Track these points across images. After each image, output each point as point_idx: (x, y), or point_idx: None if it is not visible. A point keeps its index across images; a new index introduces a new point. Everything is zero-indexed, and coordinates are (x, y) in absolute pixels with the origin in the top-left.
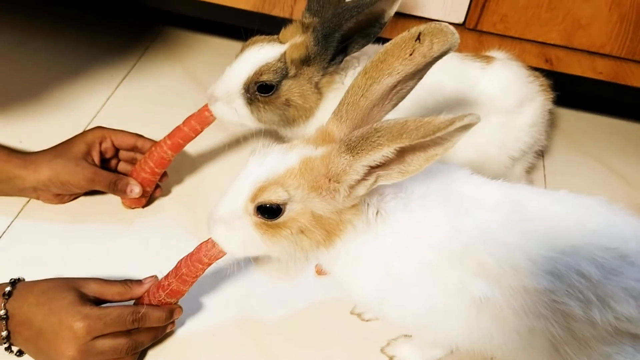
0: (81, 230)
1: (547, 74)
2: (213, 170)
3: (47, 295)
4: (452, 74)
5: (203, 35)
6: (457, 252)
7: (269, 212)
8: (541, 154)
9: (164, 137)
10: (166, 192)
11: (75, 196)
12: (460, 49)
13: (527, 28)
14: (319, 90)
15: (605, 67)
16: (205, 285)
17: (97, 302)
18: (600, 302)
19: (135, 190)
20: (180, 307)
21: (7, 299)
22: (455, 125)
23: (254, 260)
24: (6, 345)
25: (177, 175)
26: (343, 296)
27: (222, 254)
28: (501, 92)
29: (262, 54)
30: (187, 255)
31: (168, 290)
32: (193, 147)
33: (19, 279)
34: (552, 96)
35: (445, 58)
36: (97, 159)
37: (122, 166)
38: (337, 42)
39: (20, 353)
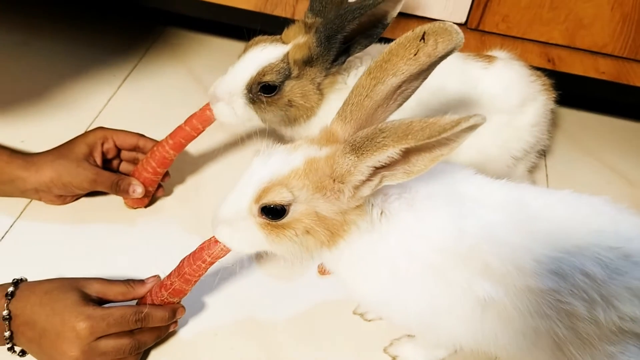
0: (83, 230)
1: (549, 73)
2: (215, 170)
3: (50, 296)
4: (455, 74)
5: (205, 35)
6: (462, 252)
7: (274, 212)
8: (543, 153)
9: (166, 137)
10: (168, 192)
11: (77, 197)
12: (462, 49)
13: (529, 28)
14: (321, 91)
15: (608, 67)
16: (208, 285)
17: (100, 302)
18: (604, 301)
19: (137, 190)
20: (182, 306)
21: (9, 300)
22: (461, 126)
23: (257, 260)
24: (9, 345)
25: (179, 175)
26: (346, 296)
27: (224, 252)
28: (503, 92)
29: (264, 54)
30: (190, 255)
31: (171, 290)
32: (195, 147)
33: (21, 279)
34: (554, 96)
35: (447, 58)
36: (99, 160)
37: (124, 166)
38: (339, 43)
39: (23, 353)
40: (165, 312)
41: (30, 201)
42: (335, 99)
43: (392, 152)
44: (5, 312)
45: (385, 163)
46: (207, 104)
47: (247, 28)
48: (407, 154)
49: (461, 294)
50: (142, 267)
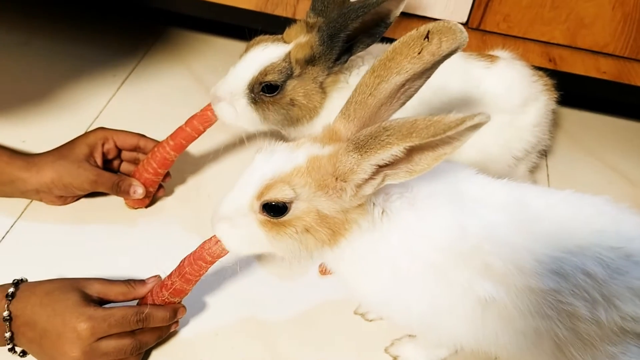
0: (84, 230)
1: (551, 73)
2: (216, 170)
3: (51, 297)
4: (457, 74)
5: (206, 35)
6: (463, 251)
7: (275, 210)
8: (544, 153)
9: (167, 138)
10: (169, 192)
11: (78, 197)
12: (463, 49)
13: (530, 27)
14: (323, 90)
15: (609, 67)
16: (209, 285)
17: (101, 302)
18: (606, 301)
19: (138, 191)
20: (184, 306)
21: (10, 300)
22: (466, 124)
23: (258, 260)
24: (10, 346)
25: (180, 175)
26: (347, 296)
27: (225, 252)
28: (505, 92)
29: (266, 53)
30: (190, 254)
31: (171, 290)
32: (196, 147)
33: (22, 279)
34: (555, 96)
35: (450, 57)
36: (99, 161)
37: (125, 166)
38: (342, 42)
39: (23, 354)
40: (167, 312)
41: (31, 202)
42: (338, 98)
43: (396, 150)
44: (5, 313)
45: (389, 161)
46: (208, 105)
47: (248, 28)
48: (410, 152)
49: (462, 294)
50: (142, 267)
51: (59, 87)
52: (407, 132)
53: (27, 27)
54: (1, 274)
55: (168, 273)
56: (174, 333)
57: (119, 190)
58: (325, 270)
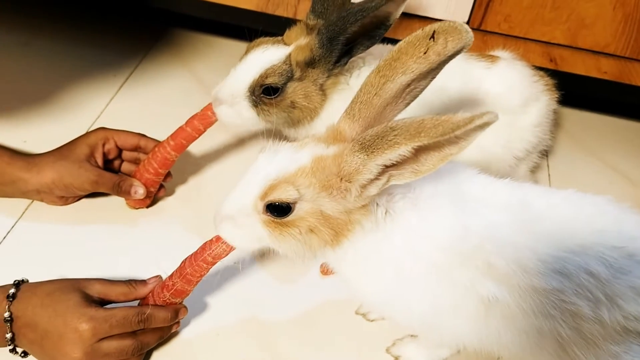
0: (85, 231)
1: (552, 73)
2: (217, 170)
3: (52, 297)
4: (457, 74)
5: (206, 35)
6: (466, 252)
7: (279, 210)
8: (545, 153)
9: (167, 138)
10: (170, 192)
11: (79, 197)
12: None
13: (531, 27)
14: (323, 92)
15: (610, 67)
16: (210, 285)
17: (102, 302)
18: (608, 301)
19: (139, 191)
20: (185, 306)
21: (11, 301)
22: (475, 123)
23: (259, 260)
24: (11, 347)
25: (181, 175)
26: (348, 296)
27: (226, 252)
28: (506, 92)
29: (267, 56)
30: (192, 255)
31: (172, 290)
32: (197, 147)
33: (22, 280)
34: (556, 96)
35: None
36: (100, 161)
37: (126, 166)
38: (342, 44)
39: (24, 354)
40: (168, 313)
41: (32, 202)
42: (338, 99)
43: (404, 150)
44: (6, 314)
45: (395, 162)
46: (208, 105)
47: (248, 28)
48: (416, 152)
49: (465, 294)
50: (143, 267)
51: (60, 88)
52: (415, 131)
53: (28, 28)
54: (2, 274)
55: (169, 273)
56: (175, 333)
57: (120, 190)
58: (326, 270)
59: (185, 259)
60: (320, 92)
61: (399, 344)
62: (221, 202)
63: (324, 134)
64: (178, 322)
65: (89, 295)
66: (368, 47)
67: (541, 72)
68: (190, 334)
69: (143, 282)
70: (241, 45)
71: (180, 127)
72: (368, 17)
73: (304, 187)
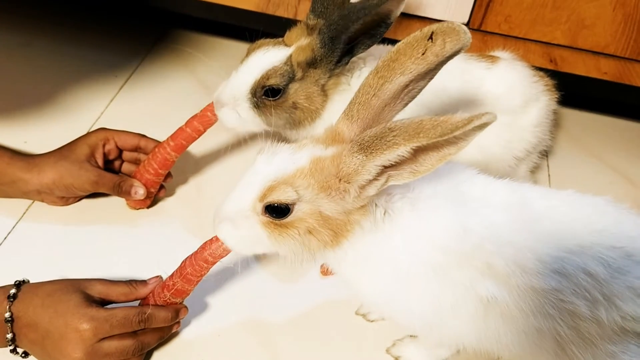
0: (85, 231)
1: (552, 74)
2: (217, 171)
3: (53, 298)
4: (457, 75)
5: (207, 35)
6: (465, 252)
7: (277, 211)
8: (545, 154)
9: (167, 139)
10: (170, 193)
11: (80, 198)
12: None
13: (531, 28)
14: (325, 92)
15: (610, 67)
16: (210, 286)
17: (102, 303)
18: (606, 301)
19: (139, 192)
20: (185, 306)
21: (12, 302)
22: (474, 124)
23: (259, 260)
24: (12, 347)
25: (182, 176)
26: (348, 296)
27: (226, 252)
28: (506, 92)
29: (268, 57)
30: (192, 255)
31: (173, 290)
32: (197, 148)
33: (23, 280)
34: (556, 96)
35: None
36: (100, 161)
37: (126, 167)
38: (343, 44)
39: (25, 355)
40: (168, 313)
41: (33, 202)
42: (339, 100)
43: (402, 150)
44: (7, 314)
45: (394, 162)
46: (208, 106)
47: (249, 29)
48: (415, 153)
49: (464, 294)
50: (144, 267)
51: (61, 88)
52: (413, 132)
53: (28, 28)
54: (3, 275)
55: (169, 273)
56: (176, 333)
57: (120, 191)
58: (327, 270)
59: (186, 258)
60: (321, 93)
61: (399, 344)
62: (220, 203)
63: (322, 135)
64: (178, 322)
65: (90, 295)
66: (369, 46)
67: (541, 73)
68: (190, 334)
69: (143, 282)
70: (242, 46)
71: (180, 128)
72: (370, 15)
73: (303, 188)
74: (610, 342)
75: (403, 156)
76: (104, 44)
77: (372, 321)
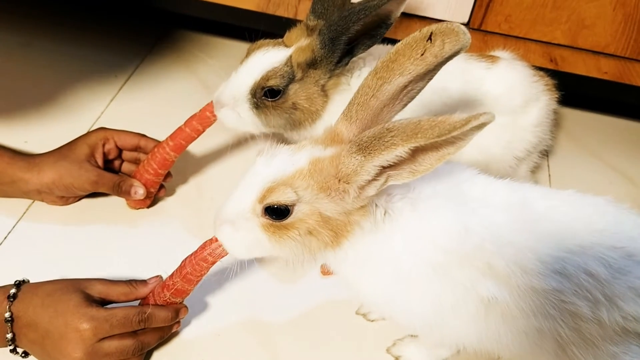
0: (85, 231)
1: (552, 73)
2: (217, 170)
3: (53, 297)
4: (457, 74)
5: (207, 35)
6: (465, 252)
7: (277, 213)
8: (546, 153)
9: (166, 138)
10: (170, 193)
11: (80, 197)
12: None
13: (531, 28)
14: (325, 93)
15: (610, 67)
16: (210, 285)
17: (102, 302)
18: (608, 301)
19: (139, 191)
20: (185, 306)
21: (12, 302)
22: (471, 124)
23: (259, 261)
24: (11, 347)
25: (182, 176)
26: (348, 296)
27: (226, 252)
28: (506, 92)
29: (268, 58)
30: (192, 254)
31: (173, 290)
32: (197, 147)
33: (23, 280)
34: (556, 96)
35: None
36: (100, 161)
37: (126, 166)
38: (343, 44)
39: (25, 355)
40: (168, 313)
41: (33, 202)
42: (340, 100)
43: (401, 151)
44: (7, 314)
45: (393, 162)
46: (207, 106)
47: (249, 29)
48: (414, 153)
49: (465, 294)
50: (144, 267)
51: (61, 88)
52: (411, 132)
53: (28, 28)
54: (3, 274)
55: (169, 273)
56: (176, 333)
57: (120, 190)
58: (327, 270)
59: (186, 258)
60: (321, 94)
61: (399, 344)
62: (220, 204)
63: (321, 136)
64: (178, 322)
65: (90, 295)
66: (369, 47)
67: (541, 72)
68: (190, 334)
69: (143, 282)
70: (242, 46)
71: (179, 128)
72: (370, 16)
73: (302, 189)
74: (612, 342)
75: (401, 156)
76: (104, 44)
77: (372, 321)
